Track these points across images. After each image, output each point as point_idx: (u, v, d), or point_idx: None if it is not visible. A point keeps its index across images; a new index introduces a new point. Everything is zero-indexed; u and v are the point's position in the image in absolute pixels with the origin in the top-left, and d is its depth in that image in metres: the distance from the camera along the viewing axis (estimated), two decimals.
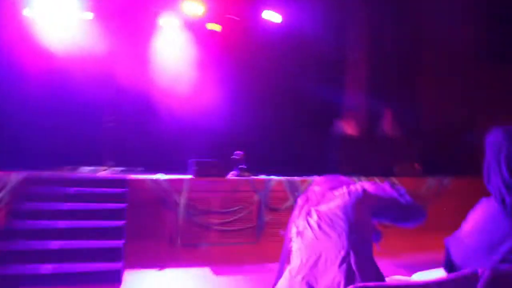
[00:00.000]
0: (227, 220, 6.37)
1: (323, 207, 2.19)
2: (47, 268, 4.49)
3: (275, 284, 2.19)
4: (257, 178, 6.63)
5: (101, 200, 5.51)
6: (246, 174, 6.75)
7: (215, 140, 7.93)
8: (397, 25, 8.92)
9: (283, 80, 8.94)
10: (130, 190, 5.86)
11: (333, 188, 2.31)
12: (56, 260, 4.58)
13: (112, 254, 4.82)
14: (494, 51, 9.17)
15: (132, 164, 7.40)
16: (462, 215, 2.00)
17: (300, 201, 2.39)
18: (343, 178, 2.45)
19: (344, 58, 9.54)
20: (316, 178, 2.51)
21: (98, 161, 7.25)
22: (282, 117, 8.87)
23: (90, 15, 7.98)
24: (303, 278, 2.02)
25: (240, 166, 6.80)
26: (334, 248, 2.02)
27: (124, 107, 8.01)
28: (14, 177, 5.45)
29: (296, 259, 2.14)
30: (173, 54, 8.44)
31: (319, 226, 2.12)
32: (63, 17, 7.74)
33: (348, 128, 8.51)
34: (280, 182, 6.60)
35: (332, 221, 2.10)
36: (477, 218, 1.93)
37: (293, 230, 2.27)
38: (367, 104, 9.37)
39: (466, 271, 1.71)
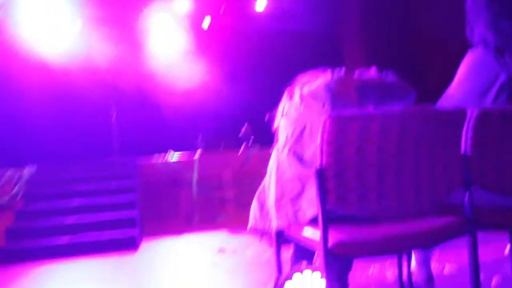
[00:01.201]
0: (241, 192, 6.35)
1: (305, 88, 2.18)
2: (63, 239, 4.54)
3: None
4: (266, 150, 6.59)
5: (112, 184, 5.59)
6: (255, 146, 6.72)
7: (220, 119, 7.92)
8: None
9: (279, 63, 8.97)
10: (142, 175, 5.94)
11: (316, 77, 2.30)
12: (72, 233, 4.63)
13: (127, 223, 4.85)
14: None
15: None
16: None
17: (284, 95, 2.38)
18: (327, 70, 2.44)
19: (338, 33, 9.56)
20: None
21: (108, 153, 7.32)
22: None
23: (79, 23, 8.03)
24: (289, 150, 1.99)
25: (248, 139, 6.78)
26: (318, 116, 2.00)
27: (128, 105, 8.08)
28: (27, 170, 5.61)
29: (281, 136, 2.13)
30: (167, 51, 8.49)
31: (302, 102, 2.10)
32: (51, 25, 7.76)
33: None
34: None
35: (315, 95, 2.09)
36: (463, 68, 1.91)
37: (278, 116, 2.27)
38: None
39: (455, 108, 1.70)
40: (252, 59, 8.87)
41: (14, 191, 5.38)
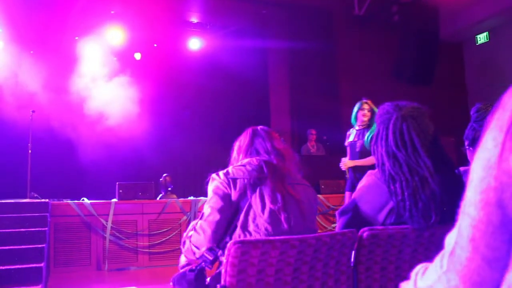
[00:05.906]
0: (155, 242, 6.37)
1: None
2: None
3: None
4: (184, 200, 6.70)
5: (21, 224, 5.37)
6: (173, 196, 6.81)
7: (143, 165, 7.95)
8: (316, 46, 9.39)
9: (209, 106, 9.15)
10: (53, 215, 5.77)
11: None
12: None
13: (32, 275, 4.69)
14: (408, 74, 9.86)
15: (59, 195, 7.23)
16: None
17: None
18: None
19: (266, 82, 9.93)
20: None
21: (21, 194, 7.05)
22: (208, 142, 9.04)
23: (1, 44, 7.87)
24: None
25: (167, 188, 6.86)
26: None
27: (47, 139, 7.88)
28: None
29: None
30: (96, 81, 8.42)
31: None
32: None
33: None
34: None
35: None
36: (362, 188, 2.12)
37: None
38: (292, 125, 9.71)
39: (346, 230, 1.91)
40: (181, 96, 8.98)
41: None
